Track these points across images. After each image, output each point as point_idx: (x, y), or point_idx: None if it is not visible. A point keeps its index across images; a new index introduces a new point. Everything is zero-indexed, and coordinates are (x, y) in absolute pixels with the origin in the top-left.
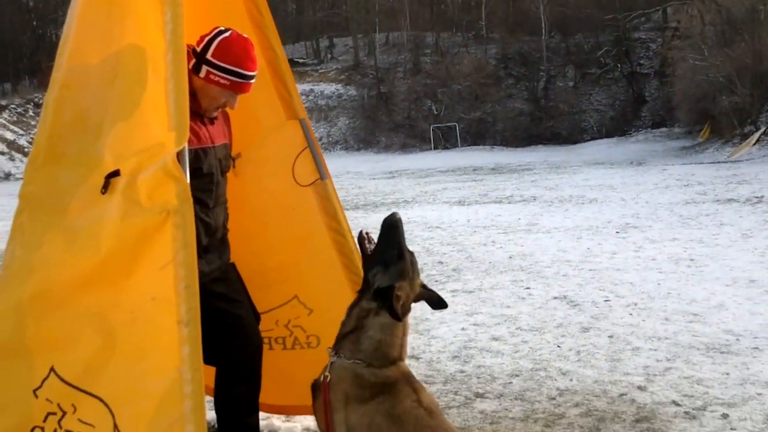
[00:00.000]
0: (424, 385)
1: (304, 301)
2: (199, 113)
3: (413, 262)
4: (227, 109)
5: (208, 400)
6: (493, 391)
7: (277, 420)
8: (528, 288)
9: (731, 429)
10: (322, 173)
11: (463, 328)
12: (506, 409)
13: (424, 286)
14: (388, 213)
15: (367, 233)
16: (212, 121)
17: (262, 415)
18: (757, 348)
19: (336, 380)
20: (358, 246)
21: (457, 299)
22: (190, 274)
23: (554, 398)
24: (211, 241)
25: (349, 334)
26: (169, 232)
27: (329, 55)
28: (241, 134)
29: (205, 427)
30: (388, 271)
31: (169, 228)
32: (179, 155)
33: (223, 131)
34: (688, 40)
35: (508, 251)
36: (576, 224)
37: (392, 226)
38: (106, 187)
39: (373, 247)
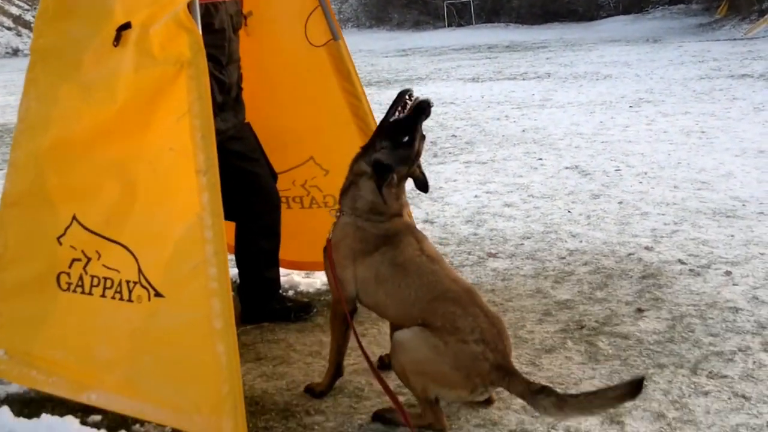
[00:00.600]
0: (439, 246)
1: (320, 162)
2: None
3: (419, 151)
4: None
5: (230, 258)
6: (505, 252)
7: (297, 276)
8: (540, 159)
9: (733, 284)
10: (334, 33)
11: (476, 196)
12: (517, 267)
13: (419, 168)
14: (401, 89)
15: (410, 94)
16: None
17: (282, 271)
18: (762, 213)
19: (341, 237)
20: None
21: (471, 170)
22: (206, 124)
23: (564, 258)
24: (226, 99)
25: (347, 191)
26: (184, 83)
27: None
28: None
29: (228, 271)
30: (395, 151)
31: (183, 79)
32: (190, 7)
33: None
34: None
35: (522, 125)
36: (590, 99)
37: (419, 110)
38: (117, 40)
39: (403, 113)
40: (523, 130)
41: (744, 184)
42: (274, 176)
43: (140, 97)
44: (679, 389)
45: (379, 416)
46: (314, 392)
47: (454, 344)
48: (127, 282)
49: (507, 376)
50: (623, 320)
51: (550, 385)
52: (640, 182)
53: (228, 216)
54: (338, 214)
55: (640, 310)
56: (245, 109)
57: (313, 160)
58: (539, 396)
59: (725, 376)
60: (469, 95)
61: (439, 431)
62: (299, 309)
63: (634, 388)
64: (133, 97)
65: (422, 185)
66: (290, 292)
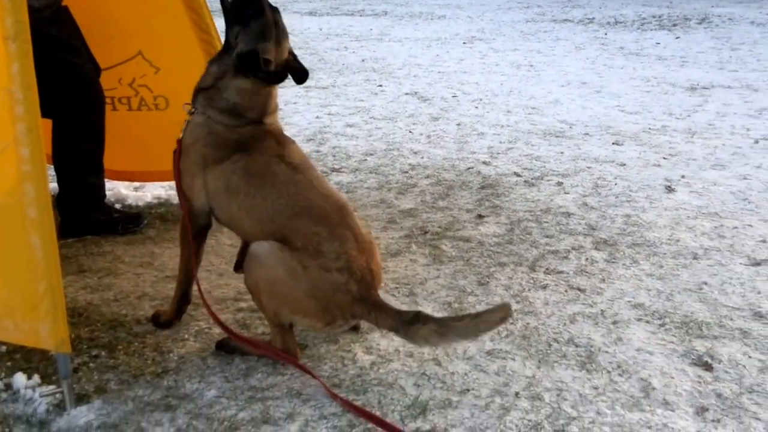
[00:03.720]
0: None
1: (150, 59)
2: None
3: (277, 21)
4: None
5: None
6: (349, 167)
7: (124, 188)
8: (380, 86)
9: (565, 193)
10: None
11: (317, 117)
12: (361, 181)
13: (292, 54)
14: None
15: None
16: None
17: (107, 184)
18: (587, 134)
19: (191, 141)
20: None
21: (311, 94)
22: None
23: (407, 171)
24: None
25: (205, 90)
26: None
27: None
28: None
29: (43, 152)
30: (248, 28)
31: None
32: None
33: None
34: None
35: (361, 56)
36: (426, 35)
37: None
38: None
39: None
40: (363, 60)
41: (570, 110)
42: (97, 70)
43: None
44: (519, 284)
45: (222, 344)
46: (159, 321)
47: (315, 270)
48: None
49: (373, 310)
50: (464, 225)
51: (423, 311)
52: (476, 107)
53: (44, 112)
54: (192, 111)
55: (480, 216)
56: None
57: (142, 55)
58: (415, 326)
59: (561, 272)
60: (306, 27)
61: (290, 359)
62: (128, 220)
63: (507, 309)
64: None
65: (300, 73)
66: (117, 207)
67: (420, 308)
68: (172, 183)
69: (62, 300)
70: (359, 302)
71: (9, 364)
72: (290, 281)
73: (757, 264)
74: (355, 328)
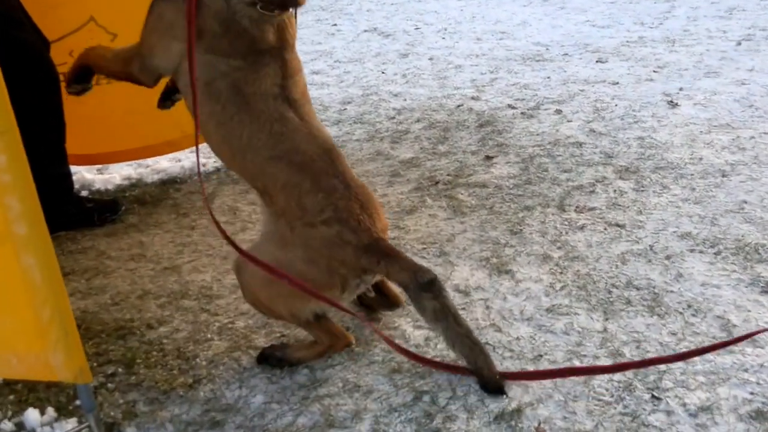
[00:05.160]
0: None
1: (104, 24)
2: None
3: None
4: None
5: None
6: (330, 119)
7: (88, 173)
8: (335, 25)
9: (568, 121)
10: None
11: None
12: (348, 133)
13: None
14: None
15: None
16: None
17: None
18: (566, 54)
19: (205, 4)
20: None
21: None
22: None
23: (393, 117)
24: None
25: None
26: None
27: None
28: None
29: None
30: None
31: None
32: None
33: None
34: None
35: None
36: None
37: None
38: None
39: None
40: None
41: (540, 30)
42: (45, 44)
43: None
44: (555, 228)
45: (265, 357)
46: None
47: (301, 228)
48: None
49: (382, 259)
50: (475, 170)
51: (441, 281)
52: (443, 38)
53: None
54: None
55: (488, 158)
56: None
57: (95, 21)
58: (427, 294)
59: (593, 208)
60: None
61: (344, 347)
62: (103, 209)
63: (492, 377)
64: None
65: None
66: (84, 194)
67: (456, 269)
68: (142, 161)
69: (73, 324)
70: (364, 252)
71: (12, 397)
72: (283, 258)
73: None
74: (370, 307)
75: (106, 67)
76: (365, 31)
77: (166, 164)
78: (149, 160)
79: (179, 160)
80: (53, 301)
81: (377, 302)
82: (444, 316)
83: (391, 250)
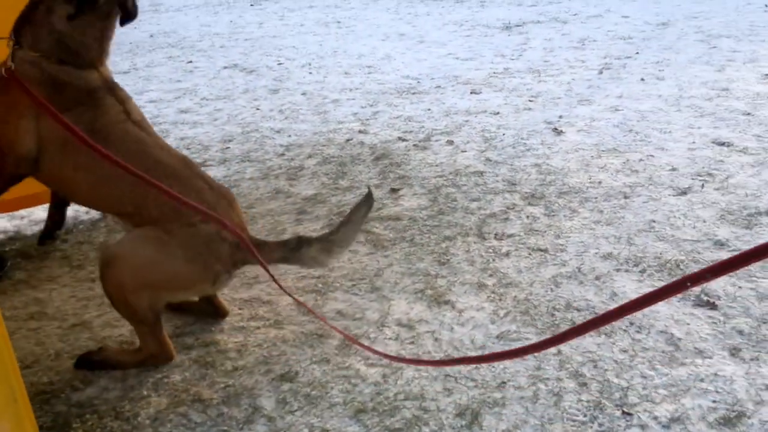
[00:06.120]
0: None
1: None
2: None
3: None
4: None
5: None
6: (214, 158)
7: None
8: (191, 62)
9: (462, 151)
10: None
11: (141, 106)
12: (239, 172)
13: None
14: None
15: None
16: None
17: None
18: (439, 86)
19: (22, 73)
20: None
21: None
22: None
23: (283, 154)
24: None
25: (28, 23)
26: None
27: None
28: None
29: None
30: None
31: None
32: None
33: None
34: None
35: (146, 30)
36: (204, 1)
37: None
38: None
39: None
40: (151, 36)
41: (405, 64)
42: None
43: None
44: (480, 256)
45: (84, 360)
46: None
47: (180, 230)
48: None
49: (255, 249)
50: (384, 204)
51: (303, 234)
52: (310, 73)
53: None
54: (14, 46)
55: (394, 190)
56: None
57: None
58: (302, 250)
59: (512, 235)
60: None
61: (166, 361)
62: None
63: (369, 197)
64: None
65: (129, 10)
66: None
67: (393, 303)
68: (17, 212)
69: (22, 387)
70: (237, 248)
71: None
72: (160, 256)
73: (684, 193)
74: (218, 312)
75: None
76: (225, 67)
77: (42, 214)
78: (23, 211)
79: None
80: None
81: (199, 310)
82: (329, 243)
83: (261, 240)
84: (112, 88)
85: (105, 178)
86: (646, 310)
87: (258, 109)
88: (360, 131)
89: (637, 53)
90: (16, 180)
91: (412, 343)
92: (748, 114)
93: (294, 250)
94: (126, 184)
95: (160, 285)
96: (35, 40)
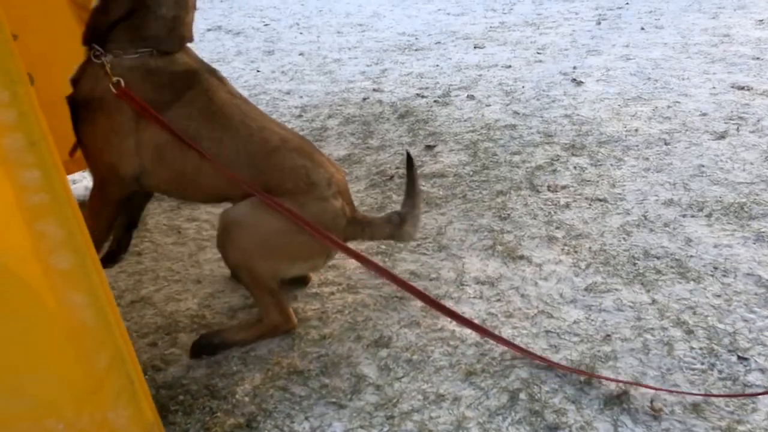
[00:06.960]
0: None
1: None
2: None
3: None
4: None
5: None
6: None
7: None
8: None
9: (487, 105)
10: None
11: None
12: None
13: None
14: None
15: None
16: None
17: None
18: (439, 42)
19: (111, 95)
20: None
21: None
22: None
23: (300, 116)
24: None
25: (121, 21)
26: None
27: None
28: None
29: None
30: None
31: None
32: None
33: None
34: None
35: None
36: None
37: None
38: None
39: None
40: None
41: (397, 21)
42: None
43: None
44: (540, 209)
45: (203, 346)
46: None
47: (313, 204)
48: None
49: (366, 226)
50: (423, 160)
51: (398, 211)
52: (301, 33)
53: None
54: (96, 58)
55: (429, 147)
56: None
57: None
58: (404, 227)
59: (565, 186)
60: None
61: (288, 331)
62: None
63: (410, 159)
64: None
65: None
66: None
67: (465, 261)
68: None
69: (139, 369)
70: (350, 223)
71: None
72: (290, 227)
73: (722, 137)
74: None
75: (95, 220)
76: (209, 30)
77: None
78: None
79: (75, 181)
80: (111, 345)
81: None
82: (414, 217)
83: (369, 217)
84: (209, 68)
85: (234, 159)
86: (724, 253)
87: (259, 71)
88: (375, 90)
89: (628, 3)
90: (125, 203)
91: (499, 300)
92: (758, 59)
93: (398, 226)
94: (259, 158)
95: (287, 255)
96: (135, 38)
